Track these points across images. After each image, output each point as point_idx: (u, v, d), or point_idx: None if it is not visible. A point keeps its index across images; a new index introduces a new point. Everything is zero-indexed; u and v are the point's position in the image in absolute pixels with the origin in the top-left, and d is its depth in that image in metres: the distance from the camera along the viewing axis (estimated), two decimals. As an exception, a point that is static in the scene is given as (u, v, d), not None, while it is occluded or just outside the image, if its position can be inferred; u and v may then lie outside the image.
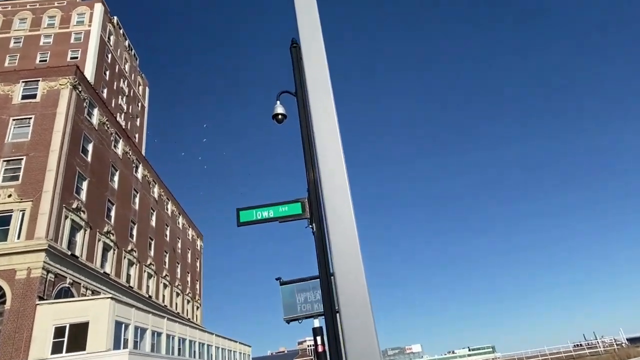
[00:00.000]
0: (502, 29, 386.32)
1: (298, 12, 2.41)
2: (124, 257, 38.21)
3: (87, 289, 30.83)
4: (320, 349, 8.41)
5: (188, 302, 55.57)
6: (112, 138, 38.75)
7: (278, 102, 8.54)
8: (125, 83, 62.47)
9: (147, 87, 72.72)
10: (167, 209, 52.51)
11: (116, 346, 25.06)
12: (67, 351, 23.96)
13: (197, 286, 61.32)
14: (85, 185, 32.74)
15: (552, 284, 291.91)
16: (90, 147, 34.25)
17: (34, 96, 31.90)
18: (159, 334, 31.25)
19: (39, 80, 32.40)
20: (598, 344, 58.46)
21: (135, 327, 27.73)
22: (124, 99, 60.76)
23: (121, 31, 65.15)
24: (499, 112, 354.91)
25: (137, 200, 42.91)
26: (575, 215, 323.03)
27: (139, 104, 67.62)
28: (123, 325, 26.48)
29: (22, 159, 29.35)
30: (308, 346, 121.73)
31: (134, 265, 40.18)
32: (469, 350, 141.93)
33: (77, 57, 52.35)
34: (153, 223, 46.89)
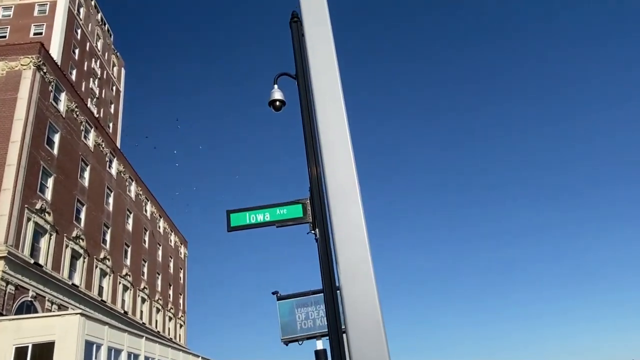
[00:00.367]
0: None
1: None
2: (96, 267, 38.37)
3: (52, 303, 30.99)
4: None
5: (170, 319, 55.80)
6: (82, 127, 38.88)
7: (276, 86, 8.54)
8: (98, 63, 62.65)
9: (122, 68, 72.93)
10: (145, 211, 52.69)
11: (86, 370, 25.17)
12: (29, 375, 24.06)
13: (181, 300, 61.56)
14: (50, 182, 32.87)
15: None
16: (56, 138, 34.37)
17: (-8, 78, 32.08)
18: (136, 356, 31.37)
19: (-3, 60, 32.57)
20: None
21: (108, 348, 27.84)
22: (96, 82, 60.96)
23: (92, 2, 65.31)
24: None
25: (111, 200, 43.06)
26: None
27: (114, 88, 67.84)
28: (94, 346, 26.58)
29: (-22, 151, 29.53)
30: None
31: (108, 276, 40.34)
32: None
33: (41, 33, 52.54)
34: (129, 227, 47.05)
